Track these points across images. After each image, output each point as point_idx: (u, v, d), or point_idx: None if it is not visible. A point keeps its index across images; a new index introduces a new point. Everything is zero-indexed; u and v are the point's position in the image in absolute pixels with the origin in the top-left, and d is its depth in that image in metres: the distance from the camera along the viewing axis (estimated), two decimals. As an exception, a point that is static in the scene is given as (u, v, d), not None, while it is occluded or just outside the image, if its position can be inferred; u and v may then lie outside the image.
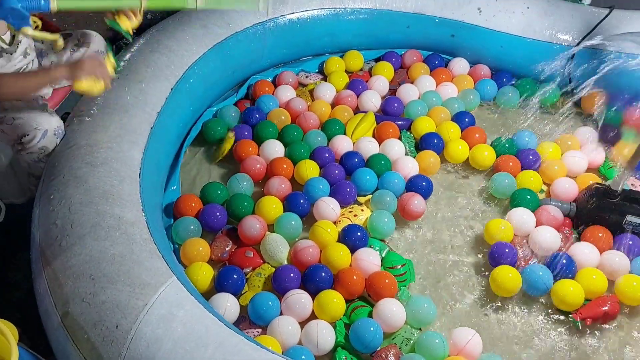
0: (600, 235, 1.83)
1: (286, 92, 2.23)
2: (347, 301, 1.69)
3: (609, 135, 2.14)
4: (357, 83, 2.31)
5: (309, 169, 1.97)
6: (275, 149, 2.03)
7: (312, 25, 2.31)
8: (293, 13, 2.27)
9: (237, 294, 1.68)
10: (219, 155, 2.03)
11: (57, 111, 1.88)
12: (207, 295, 1.65)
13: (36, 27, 1.87)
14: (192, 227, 1.79)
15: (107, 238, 1.40)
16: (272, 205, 1.86)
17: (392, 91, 2.35)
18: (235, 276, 1.68)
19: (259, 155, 2.03)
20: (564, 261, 1.77)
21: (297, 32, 2.30)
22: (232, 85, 2.28)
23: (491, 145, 2.14)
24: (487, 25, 2.31)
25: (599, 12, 2.27)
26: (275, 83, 2.32)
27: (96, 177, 1.53)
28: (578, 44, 2.19)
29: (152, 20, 2.62)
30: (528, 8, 2.29)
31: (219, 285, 1.67)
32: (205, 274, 1.68)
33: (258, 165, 1.98)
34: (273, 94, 2.24)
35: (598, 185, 1.88)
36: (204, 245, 1.75)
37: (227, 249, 1.79)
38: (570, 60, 2.21)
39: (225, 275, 1.68)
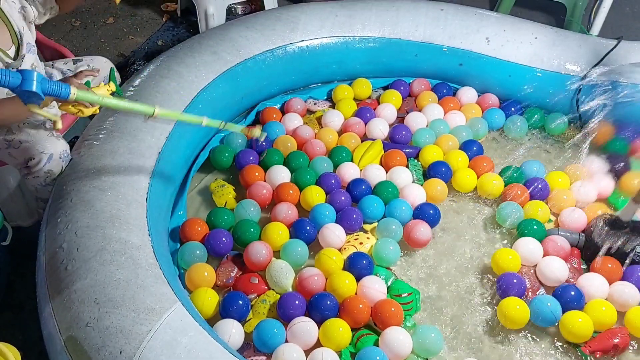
0: (609, 266, 1.81)
1: (293, 120, 2.24)
2: (353, 329, 1.67)
3: (617, 165, 2.13)
4: (365, 111, 2.32)
5: (315, 195, 1.97)
6: (281, 174, 2.03)
7: (321, 53, 2.34)
8: (302, 41, 2.29)
9: (242, 320, 1.67)
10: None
11: (66, 135, 1.90)
12: (212, 321, 1.63)
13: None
14: (197, 252, 1.79)
15: (112, 262, 1.39)
16: (279, 232, 1.85)
17: (400, 119, 2.36)
18: (241, 302, 1.67)
19: (265, 181, 2.03)
20: (573, 292, 1.74)
21: (306, 59, 2.32)
22: (240, 111, 2.30)
23: (499, 174, 2.13)
24: (495, 54, 2.32)
25: (607, 43, 2.28)
26: (284, 109, 2.33)
27: (103, 201, 1.53)
28: (586, 74, 2.20)
29: (163, 46, 2.68)
30: (536, 38, 2.30)
31: (224, 311, 1.66)
32: (210, 299, 1.67)
33: (264, 191, 1.98)
34: (280, 121, 2.25)
35: (608, 216, 1.87)
36: (209, 271, 1.74)
37: (232, 274, 1.78)
38: (578, 90, 2.22)
39: (230, 301, 1.67)
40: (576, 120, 2.27)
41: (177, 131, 1.91)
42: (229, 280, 1.77)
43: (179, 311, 1.35)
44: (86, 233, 1.45)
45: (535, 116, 2.32)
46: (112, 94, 1.56)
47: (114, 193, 1.57)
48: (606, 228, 1.84)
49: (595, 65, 2.21)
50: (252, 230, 1.85)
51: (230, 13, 2.86)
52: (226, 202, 1.98)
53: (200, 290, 1.68)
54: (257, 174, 2.03)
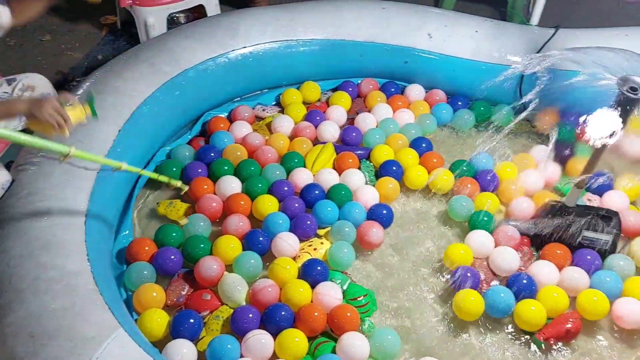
0: (558, 252, 1.83)
1: (242, 128, 2.20)
2: (310, 338, 1.65)
3: (563, 152, 2.16)
4: (314, 114, 2.30)
5: (268, 204, 1.93)
6: (231, 185, 1.99)
7: (266, 58, 2.30)
8: (245, 47, 2.26)
9: (194, 339, 1.62)
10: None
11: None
12: (163, 342, 1.58)
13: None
14: (145, 272, 1.73)
15: (47, 292, 1.33)
16: (230, 245, 1.81)
17: (350, 120, 2.34)
18: (192, 320, 1.63)
19: (214, 193, 1.99)
20: (525, 281, 1.76)
21: (250, 65, 2.28)
22: (185, 122, 2.24)
23: (449, 169, 2.14)
24: (439, 50, 2.33)
25: (546, 32, 2.31)
26: (231, 118, 2.29)
27: (37, 228, 1.47)
28: (527, 64, 2.22)
29: (103, 61, 2.60)
30: (477, 32, 2.32)
31: (175, 331, 1.61)
32: (159, 320, 1.62)
33: (214, 204, 1.93)
34: (229, 130, 2.21)
35: (553, 203, 1.89)
36: (158, 291, 1.69)
37: (183, 292, 1.73)
38: (520, 80, 2.24)
39: (181, 320, 1.62)
40: (521, 110, 2.29)
41: (118, 147, 1.85)
42: (179, 299, 1.72)
43: (120, 338, 1.30)
44: (19, 263, 1.39)
45: (482, 109, 2.34)
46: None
47: (50, 218, 1.51)
48: (553, 215, 1.86)
49: (536, 54, 2.23)
50: (202, 245, 1.81)
51: (173, 22, 2.80)
52: (184, 213, 1.94)
53: (149, 312, 1.63)
54: (206, 186, 1.99)
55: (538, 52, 2.24)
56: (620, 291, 1.77)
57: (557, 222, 1.85)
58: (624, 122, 1.59)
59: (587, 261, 1.82)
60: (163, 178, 1.85)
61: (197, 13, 2.82)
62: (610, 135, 1.61)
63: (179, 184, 1.89)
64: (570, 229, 1.84)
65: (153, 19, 2.61)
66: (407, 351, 1.69)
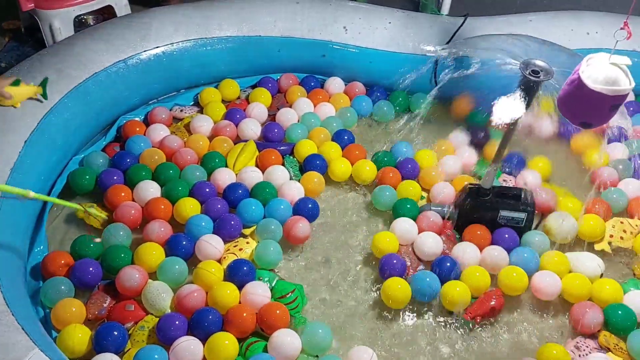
0: (478, 233, 1.90)
1: (159, 131, 2.13)
2: (241, 339, 1.63)
3: (479, 137, 2.24)
4: (234, 112, 2.26)
5: (189, 207, 1.89)
6: (150, 190, 1.92)
7: (180, 58, 2.24)
8: (157, 47, 2.19)
9: (119, 352, 1.56)
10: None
11: None
12: (87, 358, 1.52)
13: None
14: (62, 287, 1.65)
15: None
16: (152, 252, 1.76)
17: (272, 117, 2.32)
18: (116, 333, 1.57)
19: (133, 200, 1.92)
20: (448, 264, 1.81)
21: (164, 66, 2.22)
22: (99, 128, 2.15)
23: (372, 159, 2.17)
24: (354, 42, 2.35)
25: (456, 21, 2.38)
26: (148, 121, 2.22)
27: None
28: (439, 53, 2.28)
29: (7, 68, 2.45)
30: (390, 23, 2.36)
31: (98, 345, 1.55)
32: (81, 336, 1.55)
33: (133, 211, 1.87)
34: (145, 134, 2.14)
35: (471, 186, 1.95)
36: (77, 305, 1.62)
37: (105, 305, 1.67)
38: (434, 68, 2.30)
39: (104, 333, 1.56)
40: (438, 98, 2.35)
41: (26, 160, 1.75)
42: (101, 311, 1.65)
43: (36, 358, 1.23)
44: None
45: (400, 98, 2.39)
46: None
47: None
48: (472, 197, 1.92)
49: (447, 42, 2.30)
50: (122, 255, 1.74)
51: (81, 25, 2.67)
52: (103, 220, 1.88)
53: (69, 328, 1.56)
54: (123, 194, 1.91)
55: (449, 41, 2.31)
56: (538, 265, 1.86)
57: (476, 204, 1.91)
58: (528, 104, 1.66)
59: (505, 239, 1.90)
60: (78, 208, 1.84)
61: (107, 14, 2.71)
62: (516, 118, 1.68)
63: (95, 212, 1.88)
64: (488, 209, 1.91)
65: (58, 22, 2.49)
66: (340, 342, 1.70)
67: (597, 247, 1.95)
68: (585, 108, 1.39)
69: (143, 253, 1.75)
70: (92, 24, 2.70)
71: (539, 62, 1.63)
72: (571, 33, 2.37)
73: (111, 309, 1.66)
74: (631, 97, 2.46)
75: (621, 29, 1.30)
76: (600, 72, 1.32)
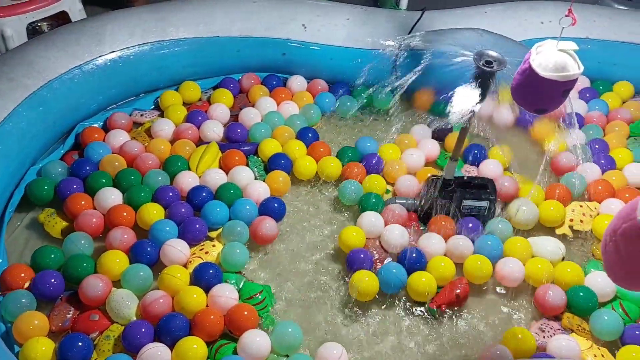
0: (443, 223, 1.92)
1: (118, 136, 2.10)
2: (210, 343, 1.62)
3: (440, 128, 2.27)
4: (196, 114, 2.24)
5: (152, 212, 1.86)
6: (111, 197, 1.89)
7: (137, 62, 2.21)
8: (113, 52, 2.16)
9: (85, 363, 1.54)
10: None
11: None
12: (51, 372, 1.49)
13: None
14: (23, 300, 1.61)
15: None
16: (116, 260, 1.73)
17: (234, 117, 2.31)
18: (80, 344, 1.54)
19: (94, 208, 1.89)
20: (414, 255, 1.83)
21: (121, 70, 2.19)
22: (57, 137, 2.11)
23: (336, 156, 2.17)
24: (314, 39, 2.35)
25: (414, 16, 2.40)
26: (107, 127, 2.18)
27: None
28: (398, 47, 2.30)
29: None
30: (348, 19, 2.37)
31: (62, 357, 1.51)
32: (44, 349, 1.52)
33: (94, 220, 1.83)
34: (104, 140, 2.10)
35: (434, 177, 1.98)
36: (40, 318, 1.58)
37: (68, 316, 1.63)
38: (394, 63, 2.32)
39: (68, 345, 1.53)
40: (397, 92, 2.37)
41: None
42: (65, 323, 1.62)
43: (-5, 375, 1.20)
44: None
45: (362, 94, 2.39)
46: None
47: None
48: (435, 188, 1.94)
49: (406, 37, 2.32)
50: (84, 265, 1.71)
51: (36, 32, 2.62)
52: (62, 230, 1.84)
53: (31, 342, 1.52)
54: (83, 202, 1.88)
55: (408, 34, 2.32)
56: (501, 252, 1.89)
57: (439, 195, 1.94)
58: (484, 94, 1.68)
59: (469, 228, 1.93)
60: None
61: (62, 19, 2.66)
62: (472, 108, 1.70)
63: None
64: (451, 200, 1.94)
65: (11, 30, 2.43)
66: (310, 340, 1.70)
67: (558, 231, 2.00)
68: (539, 95, 1.42)
69: (106, 261, 1.72)
70: (46, 30, 2.65)
71: (492, 53, 1.66)
72: (526, 23, 2.42)
73: (75, 320, 1.63)
74: (587, 84, 2.52)
75: (566, 15, 1.33)
76: (550, 60, 1.35)
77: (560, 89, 1.38)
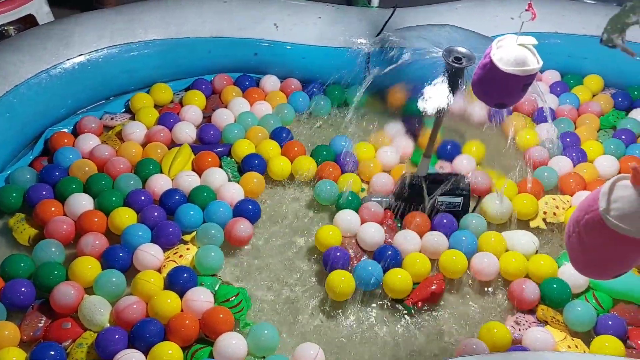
0: (418, 220, 1.93)
1: (88, 141, 2.07)
2: (185, 348, 1.60)
3: (414, 126, 2.27)
4: (168, 116, 2.21)
5: (125, 217, 1.84)
6: (82, 203, 1.86)
7: (107, 65, 2.18)
8: (81, 55, 2.12)
9: (57, 373, 1.51)
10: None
11: None
12: (23, 383, 1.46)
13: None
14: (-7, 310, 1.58)
15: None
16: (88, 266, 1.70)
17: (207, 118, 2.29)
18: (53, 352, 1.51)
19: (64, 214, 1.85)
20: (390, 252, 1.83)
21: (90, 74, 2.15)
22: (26, 142, 2.07)
23: (311, 155, 2.17)
24: (286, 39, 2.34)
25: (386, 13, 2.40)
26: (77, 131, 2.14)
27: None
28: (371, 45, 2.30)
29: None
30: (320, 18, 2.36)
31: (34, 368, 1.49)
32: (15, 359, 1.49)
33: (65, 226, 1.80)
34: (74, 145, 2.06)
35: (408, 175, 1.98)
36: (10, 328, 1.55)
37: (40, 325, 1.61)
38: (367, 61, 2.32)
39: (40, 354, 1.50)
40: (373, 90, 2.37)
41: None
42: (37, 332, 1.59)
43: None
44: None
45: (336, 92, 2.39)
46: None
47: None
48: (409, 185, 1.95)
49: (377, 34, 2.32)
50: (56, 272, 1.68)
51: (2, 36, 2.57)
52: (30, 237, 1.80)
53: (2, 352, 1.50)
54: (53, 208, 1.85)
55: (379, 32, 2.33)
56: (476, 247, 1.90)
57: (413, 192, 1.94)
58: (454, 90, 1.69)
59: (444, 224, 1.94)
60: None
61: (29, 23, 2.60)
62: (443, 105, 1.71)
63: None
64: (425, 196, 1.94)
65: (-25, 35, 2.38)
66: (288, 341, 1.70)
67: (532, 224, 2.02)
68: (499, 89, 1.43)
69: (77, 268, 1.69)
70: (13, 34, 2.59)
71: (461, 49, 1.67)
72: (496, 19, 2.44)
73: (47, 329, 1.60)
74: (557, 78, 2.55)
75: (526, 10, 1.34)
76: (510, 54, 1.36)
77: (520, 83, 1.40)
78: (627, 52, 0.97)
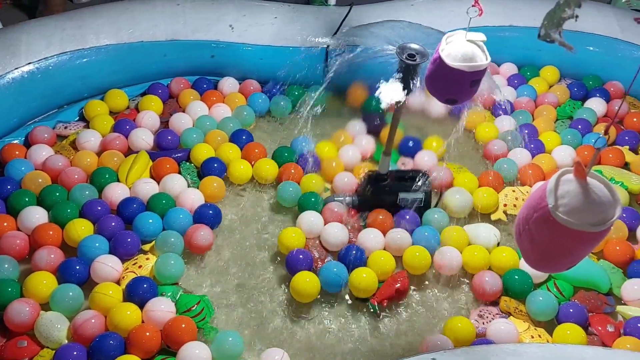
0: (380, 217, 1.93)
1: (40, 152, 2.00)
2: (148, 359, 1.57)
3: (374, 124, 2.27)
4: (123, 123, 2.16)
5: (80, 229, 1.79)
6: (35, 216, 1.80)
7: (57, 72, 2.12)
8: (29, 63, 2.05)
9: (13, 393, 1.46)
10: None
11: None
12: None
13: None
14: (-58, 333, 1.52)
15: None
16: (43, 281, 1.65)
17: (165, 124, 2.25)
18: (8, 374, 1.46)
19: (18, 229, 1.79)
20: (354, 252, 1.83)
21: (40, 82, 2.09)
22: (-28, 157, 2.00)
23: (272, 157, 2.14)
24: (242, 40, 2.31)
25: (342, 11, 2.39)
26: (29, 142, 2.08)
27: None
28: (328, 44, 2.29)
29: None
30: (276, 18, 2.34)
31: (-11, 390, 1.44)
32: (-32, 383, 1.44)
33: (18, 241, 1.74)
34: (25, 156, 2.00)
35: (370, 172, 1.98)
36: (-39, 351, 1.50)
37: (-6, 345, 1.55)
38: (325, 59, 2.31)
39: (-5, 377, 1.45)
40: (332, 88, 2.36)
41: None
42: (-10, 353, 1.54)
43: None
44: None
45: (296, 93, 2.37)
46: None
47: None
48: (372, 183, 1.94)
49: (335, 33, 2.31)
50: (9, 289, 1.63)
51: (-53, 46, 2.46)
52: None
53: (-48, 378, 1.44)
54: (5, 224, 1.79)
55: (336, 31, 2.32)
56: (439, 242, 1.91)
57: (376, 189, 1.94)
58: (408, 87, 1.69)
59: (407, 221, 1.94)
60: None
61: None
62: (399, 101, 1.71)
63: None
64: (388, 194, 1.94)
65: None
66: (254, 347, 1.68)
67: (493, 217, 2.03)
68: (448, 85, 1.43)
69: (32, 284, 1.64)
70: (-41, 43, 2.50)
71: (414, 46, 1.67)
72: (452, 14, 2.45)
73: (2, 348, 1.55)
74: (514, 70, 2.58)
75: (472, 6, 1.34)
76: (458, 50, 1.36)
77: (468, 79, 1.40)
78: (565, 47, 0.98)
